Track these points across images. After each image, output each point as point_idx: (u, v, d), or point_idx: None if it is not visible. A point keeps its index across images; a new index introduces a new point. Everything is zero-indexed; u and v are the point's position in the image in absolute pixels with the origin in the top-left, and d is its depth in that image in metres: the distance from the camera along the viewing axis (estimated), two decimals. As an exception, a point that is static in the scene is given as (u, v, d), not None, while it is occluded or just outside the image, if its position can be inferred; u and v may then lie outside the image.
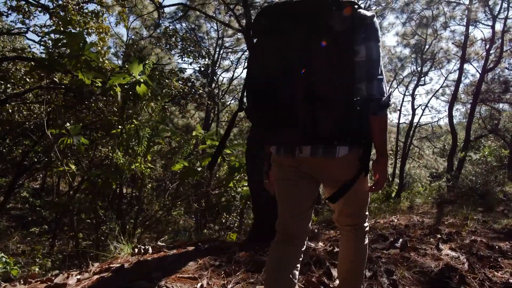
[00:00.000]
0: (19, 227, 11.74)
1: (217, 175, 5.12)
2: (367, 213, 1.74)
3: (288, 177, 1.58)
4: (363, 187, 1.60)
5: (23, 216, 12.36)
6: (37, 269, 5.27)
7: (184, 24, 11.25)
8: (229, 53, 15.97)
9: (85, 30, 10.69)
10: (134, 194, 5.64)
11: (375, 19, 1.43)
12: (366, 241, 1.75)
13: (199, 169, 4.54)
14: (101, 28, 10.81)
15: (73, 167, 4.85)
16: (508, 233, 4.02)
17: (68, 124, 4.51)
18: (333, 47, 1.30)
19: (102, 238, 5.11)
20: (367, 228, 1.75)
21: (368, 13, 1.42)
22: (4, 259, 3.52)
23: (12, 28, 9.70)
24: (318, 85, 1.30)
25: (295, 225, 1.58)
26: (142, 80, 3.41)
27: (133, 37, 10.54)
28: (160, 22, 8.18)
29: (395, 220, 5.05)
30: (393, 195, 11.95)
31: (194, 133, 4.71)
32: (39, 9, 9.78)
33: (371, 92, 1.38)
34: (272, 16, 1.42)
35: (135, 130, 4.16)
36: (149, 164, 4.70)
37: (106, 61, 10.99)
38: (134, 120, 4.26)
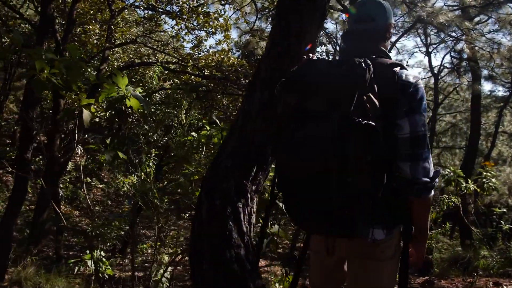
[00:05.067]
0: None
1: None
2: None
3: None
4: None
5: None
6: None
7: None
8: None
9: (211, 29, 10.79)
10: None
11: (420, 85, 1.26)
12: None
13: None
14: (224, 26, 10.79)
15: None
16: None
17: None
18: (371, 125, 1.12)
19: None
20: None
21: (412, 78, 1.25)
22: (101, 258, 3.43)
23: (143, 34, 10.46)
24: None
25: None
26: (134, 93, 2.74)
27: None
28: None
29: None
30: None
31: (202, 134, 3.64)
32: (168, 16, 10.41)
33: (416, 176, 1.23)
34: (304, 92, 1.22)
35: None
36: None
37: (232, 58, 10.80)
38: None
